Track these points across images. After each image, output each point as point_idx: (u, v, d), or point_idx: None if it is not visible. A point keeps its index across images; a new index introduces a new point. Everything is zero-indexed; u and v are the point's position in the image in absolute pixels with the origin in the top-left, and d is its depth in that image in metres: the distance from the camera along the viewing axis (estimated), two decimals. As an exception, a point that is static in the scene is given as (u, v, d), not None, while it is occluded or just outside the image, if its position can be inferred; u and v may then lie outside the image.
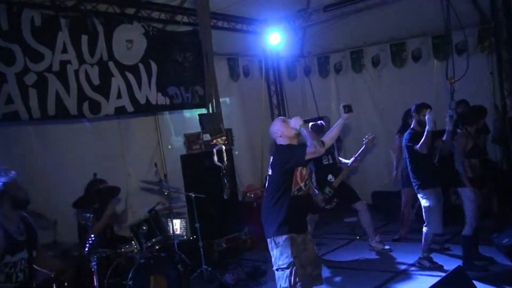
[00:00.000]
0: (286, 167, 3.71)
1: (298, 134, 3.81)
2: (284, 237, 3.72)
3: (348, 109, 3.99)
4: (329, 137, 4.13)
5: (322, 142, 3.99)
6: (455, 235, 5.98)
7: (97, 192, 5.06)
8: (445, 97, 7.47)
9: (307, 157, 3.66)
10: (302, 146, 3.69)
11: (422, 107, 5.28)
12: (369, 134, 6.23)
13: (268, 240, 3.83)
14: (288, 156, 3.71)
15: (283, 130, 3.85)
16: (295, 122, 3.79)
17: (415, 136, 5.23)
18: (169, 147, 7.32)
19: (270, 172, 3.87)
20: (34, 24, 5.12)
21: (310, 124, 5.82)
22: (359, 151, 6.20)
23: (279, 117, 4.04)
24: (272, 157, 3.90)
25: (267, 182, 3.92)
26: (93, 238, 4.21)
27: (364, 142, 6.16)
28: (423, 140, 5.07)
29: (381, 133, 8.41)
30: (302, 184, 3.80)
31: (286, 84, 8.98)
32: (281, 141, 3.88)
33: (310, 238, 4.00)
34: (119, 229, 5.64)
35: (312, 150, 3.61)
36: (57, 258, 4.44)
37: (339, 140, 7.24)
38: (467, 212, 5.07)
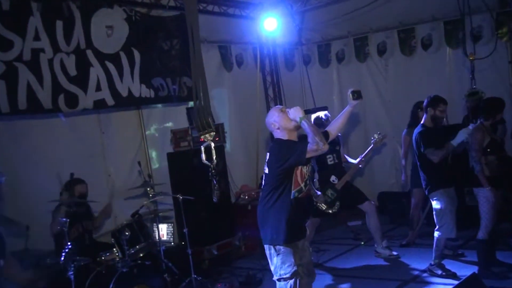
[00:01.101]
0: (284, 166, 3.63)
1: (298, 127, 3.70)
2: (285, 244, 3.69)
3: (357, 95, 3.93)
4: (335, 127, 4.07)
5: (327, 134, 3.94)
6: (470, 240, 5.99)
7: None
8: (458, 88, 7.52)
9: (308, 155, 3.56)
10: (303, 142, 3.60)
11: (438, 102, 5.26)
12: (378, 133, 6.19)
13: (266, 246, 3.79)
14: (287, 153, 3.62)
15: (281, 122, 3.74)
16: (295, 113, 3.65)
17: (427, 134, 5.22)
18: (154, 144, 7.29)
19: (266, 171, 3.80)
20: (2, 9, 5.06)
21: (313, 117, 5.81)
22: (366, 151, 6.17)
23: (277, 106, 3.95)
24: (268, 153, 3.82)
25: (263, 181, 3.87)
26: (70, 246, 4.17)
27: (372, 142, 6.11)
28: (441, 154, 5.10)
29: (388, 128, 8.41)
30: (302, 185, 3.75)
31: (284, 74, 8.96)
32: (279, 134, 3.79)
33: (307, 244, 3.98)
34: (96, 233, 5.62)
35: (314, 147, 3.49)
36: (29, 268, 4.39)
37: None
38: (482, 214, 5.06)
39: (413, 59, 8.27)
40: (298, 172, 3.70)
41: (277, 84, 8.73)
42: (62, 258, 4.21)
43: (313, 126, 3.61)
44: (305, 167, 3.75)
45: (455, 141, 5.04)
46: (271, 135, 3.90)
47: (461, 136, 5.02)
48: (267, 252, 3.80)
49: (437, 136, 5.21)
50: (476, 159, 5.04)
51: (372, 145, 6.10)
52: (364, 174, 8.81)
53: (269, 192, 3.74)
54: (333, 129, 4.06)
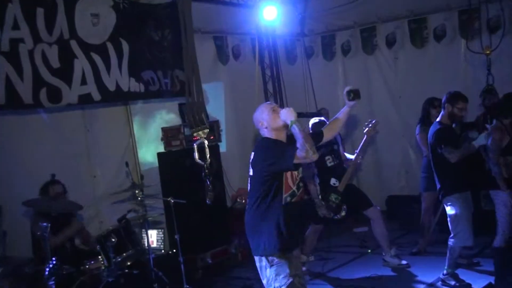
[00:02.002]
0: (270, 168, 3.59)
1: (287, 126, 3.64)
2: (280, 253, 3.65)
3: (353, 94, 3.87)
4: (330, 128, 4.03)
5: (321, 135, 3.92)
6: (486, 247, 5.97)
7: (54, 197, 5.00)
8: (474, 83, 7.50)
9: (296, 161, 3.50)
10: (292, 146, 3.53)
11: (457, 98, 5.24)
12: (369, 120, 6.15)
13: (257, 258, 3.75)
14: (273, 157, 3.57)
15: (270, 121, 3.70)
16: (286, 115, 3.59)
17: (444, 132, 5.20)
18: (144, 143, 7.28)
19: (251, 173, 3.74)
20: (-23, -4, 5.04)
21: (311, 123, 5.77)
22: (361, 144, 6.13)
23: (268, 102, 3.89)
24: (253, 152, 3.76)
25: (249, 184, 3.79)
26: (53, 262, 4.12)
27: (364, 131, 6.07)
28: (459, 154, 5.08)
29: (398, 126, 8.42)
30: (295, 188, 3.72)
31: (285, 68, 8.93)
32: (266, 133, 3.75)
33: (298, 253, 3.97)
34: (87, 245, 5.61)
35: (303, 154, 3.44)
36: (7, 276, 4.36)
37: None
38: (500, 219, 5.06)
39: (425, 51, 8.27)
40: (289, 174, 3.67)
41: (277, 79, 8.69)
42: (46, 273, 4.17)
43: (304, 132, 3.53)
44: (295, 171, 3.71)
45: (477, 143, 5.04)
46: (259, 131, 3.84)
47: (483, 139, 5.02)
48: (258, 264, 3.76)
49: (455, 134, 5.20)
50: (494, 161, 5.02)
51: (365, 136, 6.06)
52: (370, 176, 8.79)
53: (257, 197, 3.69)
54: (328, 130, 4.01)
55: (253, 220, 3.74)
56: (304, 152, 3.44)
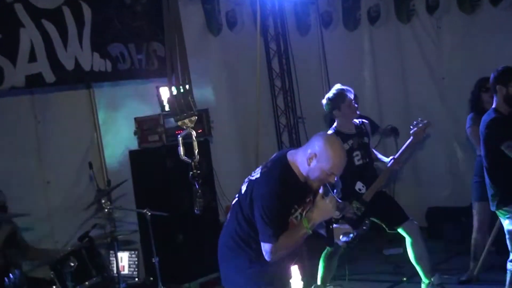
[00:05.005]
0: (256, 220, 3.71)
1: (320, 185, 3.72)
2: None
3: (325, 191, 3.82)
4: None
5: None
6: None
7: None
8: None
9: (263, 246, 3.66)
10: (280, 227, 3.65)
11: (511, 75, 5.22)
12: (419, 119, 6.14)
13: None
14: (262, 214, 3.65)
15: (320, 169, 3.68)
16: (326, 211, 3.70)
17: (501, 123, 5.18)
18: (112, 138, 7.29)
19: (242, 202, 3.84)
20: None
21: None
22: (403, 148, 6.11)
23: (338, 139, 3.93)
24: (257, 178, 3.81)
25: (234, 208, 3.93)
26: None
27: (411, 132, 6.07)
28: None
29: (440, 116, 8.40)
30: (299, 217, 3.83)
31: (294, 40, 8.96)
32: (300, 163, 3.75)
33: None
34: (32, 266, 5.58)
35: (269, 251, 3.63)
36: None
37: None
38: None
39: (476, 18, 8.23)
40: (293, 218, 3.78)
41: (284, 54, 8.70)
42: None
43: (302, 239, 3.71)
44: (299, 212, 3.80)
45: None
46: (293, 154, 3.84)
47: None
48: None
49: None
50: None
51: (411, 137, 6.04)
52: (405, 182, 8.77)
53: (246, 236, 3.81)
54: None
55: (231, 250, 3.90)
56: (272, 253, 3.63)
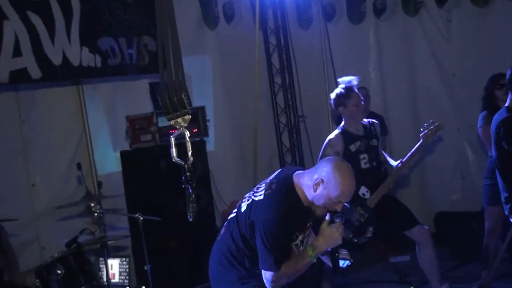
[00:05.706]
0: (257, 246, 3.72)
1: (326, 212, 3.73)
2: None
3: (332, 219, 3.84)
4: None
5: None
6: None
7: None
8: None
9: (264, 273, 3.69)
10: (279, 254, 3.66)
11: None
12: (431, 121, 6.15)
13: None
14: (263, 241, 3.65)
15: (326, 195, 3.66)
16: (331, 240, 3.72)
17: None
18: (102, 137, 7.28)
19: (241, 220, 3.82)
20: None
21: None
22: (412, 151, 6.11)
23: (348, 165, 3.89)
24: (263, 197, 3.76)
25: (230, 224, 3.91)
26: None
27: (421, 135, 6.07)
28: None
29: (450, 115, 8.41)
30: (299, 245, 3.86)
31: (295, 34, 8.91)
32: (305, 187, 3.73)
33: None
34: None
35: (271, 279, 3.67)
36: None
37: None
38: None
39: (489, 11, 8.26)
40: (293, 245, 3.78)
41: (285, 49, 8.69)
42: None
43: (305, 267, 3.74)
44: (301, 238, 3.82)
45: None
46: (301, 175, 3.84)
47: None
48: None
49: None
50: None
51: (421, 140, 6.05)
52: (412, 185, 8.77)
53: (237, 254, 3.84)
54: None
55: (224, 272, 3.91)
56: (274, 282, 3.66)
